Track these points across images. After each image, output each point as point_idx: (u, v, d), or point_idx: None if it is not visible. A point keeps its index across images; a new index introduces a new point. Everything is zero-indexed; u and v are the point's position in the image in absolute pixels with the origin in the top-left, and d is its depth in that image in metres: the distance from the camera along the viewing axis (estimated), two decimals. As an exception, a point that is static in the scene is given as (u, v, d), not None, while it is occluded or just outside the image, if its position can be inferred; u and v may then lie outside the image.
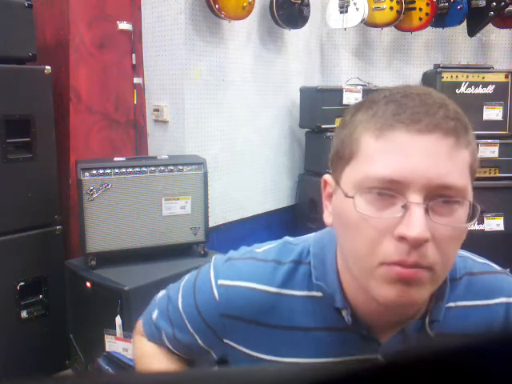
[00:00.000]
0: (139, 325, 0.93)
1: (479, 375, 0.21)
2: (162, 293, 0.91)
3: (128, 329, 1.86)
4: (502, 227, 2.78)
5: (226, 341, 0.75)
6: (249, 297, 0.72)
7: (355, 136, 0.60)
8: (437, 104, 0.58)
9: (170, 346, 0.85)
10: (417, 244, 0.55)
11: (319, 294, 0.70)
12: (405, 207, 0.56)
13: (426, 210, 0.56)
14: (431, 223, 0.56)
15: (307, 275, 0.72)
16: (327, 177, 0.67)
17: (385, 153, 0.57)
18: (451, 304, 0.71)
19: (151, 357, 0.88)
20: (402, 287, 0.57)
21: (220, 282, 0.74)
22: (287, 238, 0.79)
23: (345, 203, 0.60)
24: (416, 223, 0.55)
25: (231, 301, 0.73)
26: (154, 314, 0.87)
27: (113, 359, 0.97)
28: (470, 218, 0.59)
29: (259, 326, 0.72)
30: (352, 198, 0.59)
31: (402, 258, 0.56)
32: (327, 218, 0.67)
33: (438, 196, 0.56)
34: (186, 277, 0.84)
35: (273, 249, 0.77)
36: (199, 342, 0.79)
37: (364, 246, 0.59)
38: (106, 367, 0.96)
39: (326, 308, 0.70)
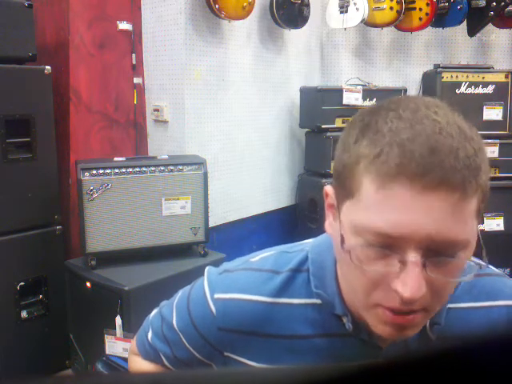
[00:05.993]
0: (133, 345, 0.90)
1: (479, 375, 0.21)
2: (154, 312, 0.88)
3: (128, 329, 1.86)
4: (501, 227, 2.78)
5: (226, 354, 0.74)
6: (245, 309, 0.71)
7: (357, 173, 0.57)
8: (446, 149, 0.52)
9: (169, 366, 0.83)
10: (410, 301, 0.55)
11: (319, 301, 0.70)
12: (402, 263, 0.55)
13: (424, 262, 0.55)
14: (428, 273, 0.55)
15: (306, 283, 0.71)
16: (328, 189, 0.65)
17: (384, 207, 0.54)
18: (451, 305, 0.70)
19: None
20: (395, 329, 0.59)
21: (216, 295, 0.73)
22: (283, 247, 0.78)
23: (341, 239, 0.60)
24: (411, 283, 0.54)
25: (228, 314, 0.72)
26: (149, 335, 0.85)
27: (110, 363, 0.97)
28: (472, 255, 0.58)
29: (258, 337, 0.71)
30: (347, 240, 0.59)
31: (396, 307, 0.56)
32: (328, 227, 0.66)
33: (438, 251, 0.55)
34: (179, 293, 0.82)
35: (269, 258, 0.76)
36: (199, 357, 0.77)
37: (359, 289, 0.60)
38: (104, 371, 0.95)
39: (325, 315, 0.69)
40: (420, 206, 0.53)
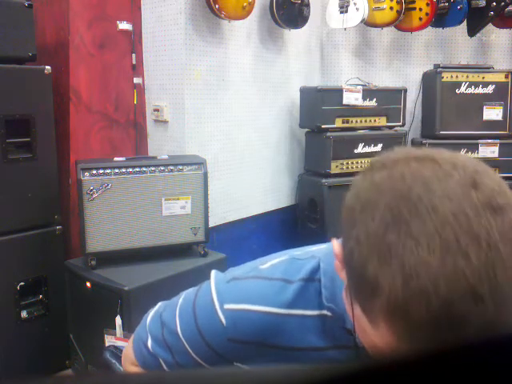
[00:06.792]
0: (128, 353, 0.85)
1: (480, 375, 0.21)
2: (151, 316, 0.82)
3: (128, 329, 1.86)
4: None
5: (235, 363, 0.72)
6: (257, 320, 0.69)
7: (374, 307, 0.49)
8: (479, 323, 0.45)
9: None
10: None
11: (329, 313, 0.68)
12: None
13: None
14: None
15: (318, 294, 0.69)
16: (336, 247, 0.58)
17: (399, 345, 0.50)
18: None
19: None
20: None
21: (226, 306, 0.70)
22: (293, 253, 0.74)
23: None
24: None
25: (239, 325, 0.69)
26: (149, 342, 0.80)
27: (119, 354, 0.96)
28: None
29: (270, 349, 0.70)
30: (358, 328, 0.56)
31: None
32: (339, 270, 0.60)
33: None
34: (182, 297, 0.78)
35: (279, 265, 0.72)
36: (205, 365, 0.75)
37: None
38: (113, 361, 0.95)
39: (337, 327, 0.68)
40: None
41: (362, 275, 0.49)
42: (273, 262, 0.73)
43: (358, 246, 0.50)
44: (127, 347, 0.86)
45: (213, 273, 0.76)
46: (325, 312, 0.68)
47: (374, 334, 0.52)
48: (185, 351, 0.75)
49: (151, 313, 0.83)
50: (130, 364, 0.85)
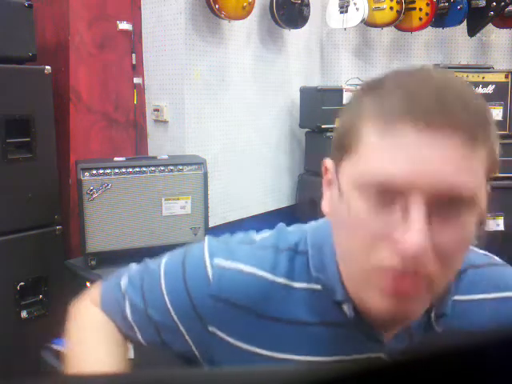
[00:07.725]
0: (93, 292, 0.81)
1: (482, 374, 0.21)
2: (135, 267, 0.82)
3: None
4: (501, 227, 2.78)
5: (211, 329, 0.68)
6: (244, 281, 0.67)
7: (357, 126, 0.55)
8: (454, 94, 0.52)
9: (131, 323, 0.74)
10: (414, 253, 0.50)
11: (318, 286, 0.66)
12: (404, 210, 0.51)
13: (429, 215, 0.50)
14: (433, 230, 0.51)
15: (305, 266, 0.67)
16: (328, 162, 0.61)
17: (386, 151, 0.51)
18: (459, 297, 0.67)
19: (93, 333, 0.74)
20: (396, 301, 0.54)
21: (217, 261, 0.68)
22: (283, 225, 0.75)
23: (339, 201, 0.57)
24: (414, 230, 0.49)
25: (226, 283, 0.67)
26: (123, 282, 0.77)
27: (56, 351, 0.92)
28: (480, 224, 0.54)
29: (253, 316, 0.67)
30: (346, 198, 0.55)
31: (398, 264, 0.52)
32: (325, 206, 0.63)
33: (444, 201, 0.51)
34: (169, 254, 0.77)
35: (270, 236, 0.73)
36: (179, 324, 0.70)
37: (358, 249, 0.55)
38: (53, 361, 0.92)
39: (325, 302, 0.65)
40: (424, 147, 0.50)
41: (348, 120, 0.58)
42: (264, 235, 0.74)
43: (345, 109, 0.61)
44: (97, 286, 0.84)
45: (206, 236, 0.77)
46: (313, 286, 0.67)
47: (357, 159, 0.54)
48: (164, 310, 0.72)
49: (135, 265, 0.83)
50: (89, 302, 0.81)
